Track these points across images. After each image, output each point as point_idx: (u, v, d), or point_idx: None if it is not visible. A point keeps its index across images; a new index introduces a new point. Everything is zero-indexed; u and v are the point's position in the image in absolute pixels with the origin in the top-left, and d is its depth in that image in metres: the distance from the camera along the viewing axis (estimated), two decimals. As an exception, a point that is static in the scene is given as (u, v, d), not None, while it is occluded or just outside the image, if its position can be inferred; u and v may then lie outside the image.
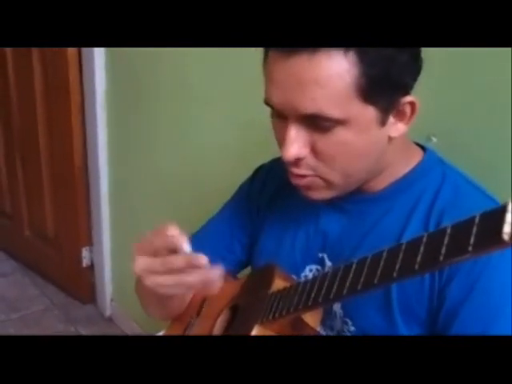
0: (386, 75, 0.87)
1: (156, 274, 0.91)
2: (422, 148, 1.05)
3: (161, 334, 1.32)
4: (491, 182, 1.01)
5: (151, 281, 0.91)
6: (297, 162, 0.94)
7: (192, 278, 0.88)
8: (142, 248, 0.94)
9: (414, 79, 0.92)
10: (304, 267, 1.08)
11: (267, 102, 0.94)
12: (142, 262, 0.93)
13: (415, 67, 0.92)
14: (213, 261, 1.16)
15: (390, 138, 0.94)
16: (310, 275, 1.06)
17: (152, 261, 0.92)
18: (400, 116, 0.93)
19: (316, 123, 0.89)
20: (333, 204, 1.05)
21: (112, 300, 2.72)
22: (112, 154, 2.45)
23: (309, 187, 0.98)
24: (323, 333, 1.03)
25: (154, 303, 1.17)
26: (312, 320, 0.92)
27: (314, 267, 1.07)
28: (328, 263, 1.05)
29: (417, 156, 1.03)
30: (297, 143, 0.91)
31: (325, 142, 0.90)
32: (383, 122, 0.91)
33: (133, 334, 2.52)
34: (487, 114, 1.13)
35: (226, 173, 1.80)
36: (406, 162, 1.01)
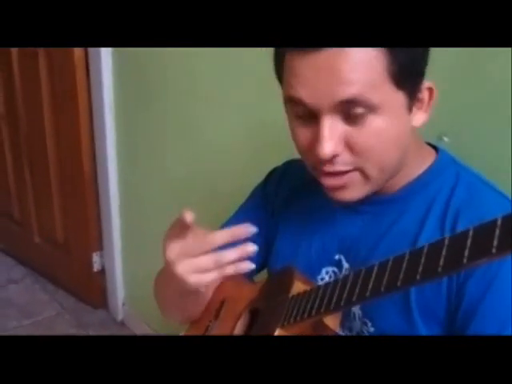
0: (412, 61, 0.89)
1: (192, 257, 0.92)
2: (435, 148, 1.06)
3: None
4: (502, 181, 1.03)
5: (187, 264, 0.93)
6: (331, 160, 0.92)
7: (230, 254, 0.92)
8: (172, 234, 0.95)
9: (427, 65, 0.94)
10: (320, 269, 1.09)
11: (292, 101, 0.92)
12: (175, 246, 0.94)
13: (428, 53, 0.93)
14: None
15: (413, 128, 0.96)
16: (327, 277, 1.08)
17: (187, 243, 0.93)
18: (420, 104, 0.95)
19: (350, 113, 0.88)
20: (348, 206, 1.05)
21: (124, 304, 2.72)
22: (121, 157, 2.45)
23: (345, 186, 0.96)
24: (343, 334, 1.03)
25: (175, 302, 1.18)
26: (332, 322, 0.93)
27: (330, 269, 1.08)
28: (345, 265, 1.06)
29: (430, 156, 1.04)
30: (333, 138, 0.89)
31: (359, 133, 0.90)
32: (410, 109, 0.93)
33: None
34: (496, 113, 1.15)
35: (237, 174, 1.82)
36: (420, 163, 1.02)
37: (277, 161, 1.27)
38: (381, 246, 1.01)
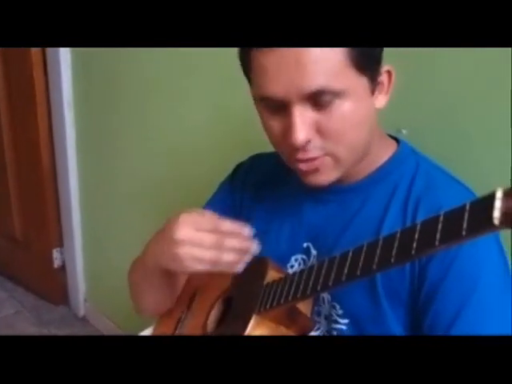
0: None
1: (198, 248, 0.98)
2: (396, 140, 1.11)
3: (147, 330, 1.33)
4: (458, 171, 1.07)
5: (190, 250, 0.98)
6: (305, 145, 0.96)
7: (234, 242, 0.98)
8: (195, 223, 1.00)
9: (383, 50, 0.99)
10: (290, 257, 1.12)
11: (263, 97, 0.96)
12: (188, 232, 0.99)
13: None
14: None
15: (376, 111, 1.01)
16: (296, 265, 1.11)
17: (200, 235, 0.99)
18: (381, 86, 1.00)
19: (318, 101, 0.92)
20: (315, 196, 1.10)
21: (85, 300, 2.70)
22: (81, 154, 2.44)
23: (317, 170, 0.99)
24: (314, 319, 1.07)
25: (150, 290, 1.20)
26: (305, 308, 0.97)
27: (299, 257, 1.11)
28: (313, 252, 1.10)
29: (391, 147, 1.09)
30: (304, 126, 0.94)
31: (328, 119, 0.94)
32: (373, 92, 0.98)
33: (109, 333, 2.51)
34: (454, 107, 1.20)
35: (200, 168, 1.83)
36: (383, 153, 1.07)
37: (240, 153, 1.30)
38: (347, 233, 1.06)
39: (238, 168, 1.29)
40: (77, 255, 2.62)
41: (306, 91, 0.91)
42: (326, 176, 1.01)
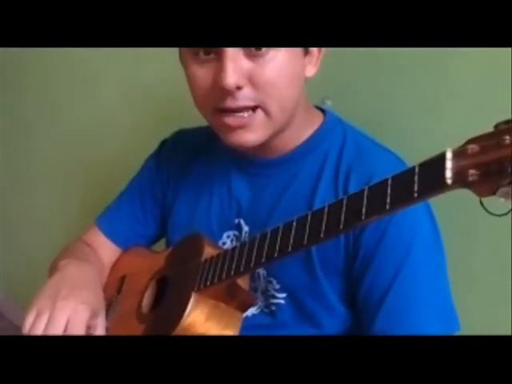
0: None
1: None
2: (322, 111, 1.10)
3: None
4: (384, 139, 1.08)
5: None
6: (235, 92, 0.92)
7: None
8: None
9: None
10: (221, 234, 1.11)
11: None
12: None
13: None
14: (128, 238, 1.17)
15: (305, 79, 0.99)
16: (228, 241, 1.10)
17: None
18: (310, 57, 0.99)
19: (252, 49, 0.90)
20: (242, 170, 1.08)
21: (-1, 293, 2.63)
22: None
23: (247, 125, 0.95)
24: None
25: None
26: (244, 283, 0.96)
27: (231, 233, 1.10)
28: (245, 228, 1.08)
29: (318, 118, 1.08)
30: (235, 71, 0.90)
31: (261, 68, 0.92)
32: (305, 52, 0.97)
33: (21, 323, 2.42)
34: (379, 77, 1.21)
35: (117, 145, 1.80)
36: (309, 124, 1.06)
37: (159, 127, 1.28)
38: (279, 208, 1.05)
39: (163, 144, 1.27)
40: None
41: None
42: (253, 134, 0.96)
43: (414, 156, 0.69)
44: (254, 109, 0.94)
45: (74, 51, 1.78)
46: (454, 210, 1.02)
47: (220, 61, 0.91)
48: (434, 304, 0.96)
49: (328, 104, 1.18)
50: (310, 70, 1.00)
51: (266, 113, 0.95)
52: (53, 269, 1.15)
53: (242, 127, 0.95)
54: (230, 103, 0.93)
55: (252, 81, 0.92)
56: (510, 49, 0.99)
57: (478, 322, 1.07)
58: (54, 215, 1.98)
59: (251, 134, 0.96)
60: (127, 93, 1.72)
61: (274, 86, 0.93)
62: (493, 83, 1.05)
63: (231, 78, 0.90)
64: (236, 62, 0.90)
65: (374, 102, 1.22)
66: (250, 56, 0.91)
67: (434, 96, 1.14)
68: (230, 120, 0.95)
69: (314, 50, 0.99)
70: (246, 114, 0.94)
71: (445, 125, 1.13)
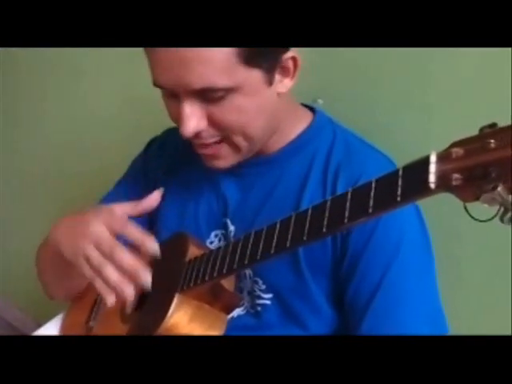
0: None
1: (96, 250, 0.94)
2: (312, 110, 1.09)
3: (59, 316, 1.27)
4: (375, 140, 1.07)
5: (90, 248, 0.94)
6: (197, 135, 0.94)
7: (127, 260, 0.92)
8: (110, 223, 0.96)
9: None
10: (209, 233, 1.09)
11: (155, 84, 0.94)
12: (100, 231, 0.95)
13: None
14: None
15: (279, 95, 0.97)
16: (216, 240, 1.09)
17: (106, 240, 0.94)
18: (285, 72, 0.96)
19: (208, 96, 0.90)
20: (229, 169, 1.06)
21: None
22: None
23: (216, 156, 0.99)
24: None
25: (59, 277, 1.15)
26: (228, 284, 0.94)
27: (219, 232, 1.09)
28: (231, 227, 1.07)
29: (307, 117, 1.07)
30: (193, 118, 0.92)
31: (220, 111, 0.91)
32: (270, 82, 0.94)
33: (19, 324, 2.42)
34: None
35: (113, 148, 1.78)
36: (297, 124, 1.05)
37: (153, 130, 1.26)
38: (265, 208, 1.03)
39: (152, 142, 1.26)
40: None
41: (192, 88, 0.89)
42: (225, 161, 1.00)
43: (404, 157, 0.67)
44: (219, 142, 0.97)
45: (69, 50, 1.78)
46: (441, 209, 1.01)
47: (179, 106, 0.92)
48: (421, 305, 0.95)
49: (319, 103, 1.17)
50: (286, 84, 0.97)
51: (233, 146, 0.97)
52: (42, 250, 1.18)
53: (212, 157, 0.99)
54: (196, 141, 0.97)
55: (212, 122, 0.93)
56: (504, 49, 0.98)
57: (469, 323, 1.07)
58: (45, 216, 1.97)
59: (221, 161, 1.00)
60: (126, 91, 1.70)
61: (235, 126, 0.94)
62: (486, 84, 1.04)
63: (188, 127, 0.92)
64: (193, 110, 0.91)
65: (364, 103, 1.21)
66: (207, 101, 0.91)
67: (426, 96, 1.13)
68: (201, 150, 0.99)
69: (290, 65, 0.95)
70: (212, 148, 0.97)
71: (436, 126, 1.12)
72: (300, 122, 1.05)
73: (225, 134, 0.95)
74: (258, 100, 0.93)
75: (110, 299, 0.92)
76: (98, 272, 0.92)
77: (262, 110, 0.95)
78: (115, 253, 0.92)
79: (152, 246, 0.93)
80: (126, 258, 0.91)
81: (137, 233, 0.94)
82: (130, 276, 0.91)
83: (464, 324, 0.99)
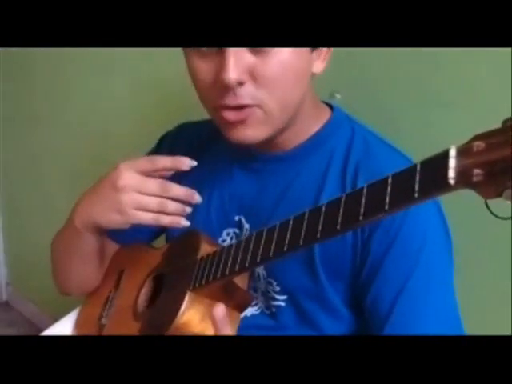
0: None
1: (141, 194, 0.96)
2: (330, 107, 1.06)
3: (74, 312, 1.26)
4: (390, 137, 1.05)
5: (132, 198, 0.96)
6: (236, 88, 0.89)
7: (173, 204, 0.97)
8: (135, 165, 0.98)
9: None
10: (221, 231, 1.07)
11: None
12: (132, 177, 0.97)
13: None
14: (128, 233, 1.14)
15: (312, 75, 0.95)
16: (228, 239, 1.06)
17: (143, 180, 0.97)
18: (319, 52, 0.94)
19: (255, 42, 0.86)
20: (245, 165, 1.05)
21: (8, 284, 2.63)
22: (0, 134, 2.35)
23: (246, 121, 0.92)
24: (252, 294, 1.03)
25: (78, 259, 1.13)
26: (242, 282, 0.92)
27: (231, 230, 1.07)
28: (246, 225, 1.05)
29: (325, 114, 1.04)
30: (237, 66, 0.87)
31: (264, 64, 0.88)
32: (312, 49, 0.93)
33: (33, 318, 2.44)
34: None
35: (125, 138, 1.78)
36: (316, 120, 1.02)
37: (166, 121, 1.24)
38: (281, 205, 1.01)
39: (165, 136, 1.23)
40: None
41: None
42: (253, 131, 0.93)
43: (422, 154, 0.65)
44: (252, 107, 0.91)
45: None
46: (454, 208, 0.98)
47: (222, 55, 0.87)
48: (444, 310, 0.93)
49: (337, 98, 1.15)
50: (318, 66, 0.96)
51: (266, 111, 0.91)
52: (58, 237, 1.18)
53: (241, 122, 0.92)
54: (229, 100, 0.90)
55: (254, 77, 0.89)
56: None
57: (469, 323, 1.05)
58: (60, 210, 1.97)
59: (250, 130, 0.93)
60: (138, 85, 1.70)
61: (275, 83, 0.90)
62: (504, 80, 1.01)
63: (233, 73, 0.86)
64: (238, 57, 0.87)
65: (380, 99, 1.19)
66: (253, 51, 0.87)
67: (443, 93, 1.11)
68: (229, 115, 0.92)
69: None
70: (245, 111, 0.91)
71: (454, 122, 1.09)
72: (318, 119, 1.03)
73: (262, 95, 0.90)
74: (300, 61, 0.91)
75: (184, 222, 0.98)
76: (162, 210, 0.96)
77: (302, 76, 0.93)
78: (167, 186, 0.97)
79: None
80: (175, 187, 0.97)
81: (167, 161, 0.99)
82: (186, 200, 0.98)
83: (464, 324, 0.96)
